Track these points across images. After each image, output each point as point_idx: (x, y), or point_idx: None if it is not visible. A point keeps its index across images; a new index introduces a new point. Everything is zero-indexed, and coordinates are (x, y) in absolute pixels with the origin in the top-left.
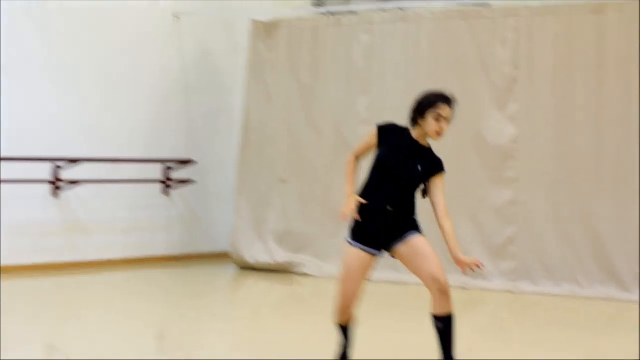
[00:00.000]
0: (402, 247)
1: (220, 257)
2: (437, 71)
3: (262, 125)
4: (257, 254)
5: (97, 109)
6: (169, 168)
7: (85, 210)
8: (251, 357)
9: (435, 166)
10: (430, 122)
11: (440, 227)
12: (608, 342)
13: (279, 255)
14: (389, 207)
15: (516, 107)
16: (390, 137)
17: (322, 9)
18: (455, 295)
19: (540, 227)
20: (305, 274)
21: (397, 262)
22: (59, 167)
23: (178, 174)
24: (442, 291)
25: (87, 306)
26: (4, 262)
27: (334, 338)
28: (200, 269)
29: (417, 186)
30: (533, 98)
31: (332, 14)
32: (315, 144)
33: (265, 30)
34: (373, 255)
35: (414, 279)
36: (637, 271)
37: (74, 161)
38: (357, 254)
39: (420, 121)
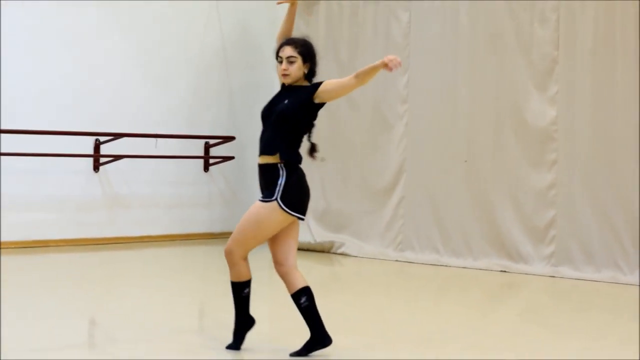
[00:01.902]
0: None
1: None
2: (476, 50)
3: None
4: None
5: (138, 85)
6: (209, 144)
7: (126, 185)
8: (290, 336)
9: (310, 88)
10: (277, 67)
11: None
12: None
13: (319, 235)
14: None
15: (556, 88)
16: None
17: None
18: (496, 279)
19: (580, 211)
20: (345, 254)
21: (436, 241)
22: (99, 141)
23: (218, 150)
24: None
25: (127, 282)
26: (47, 237)
27: (373, 316)
28: None
29: (285, 122)
30: (573, 80)
31: None
32: (353, 122)
33: (305, 6)
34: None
35: (453, 261)
36: None
37: (115, 135)
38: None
39: None
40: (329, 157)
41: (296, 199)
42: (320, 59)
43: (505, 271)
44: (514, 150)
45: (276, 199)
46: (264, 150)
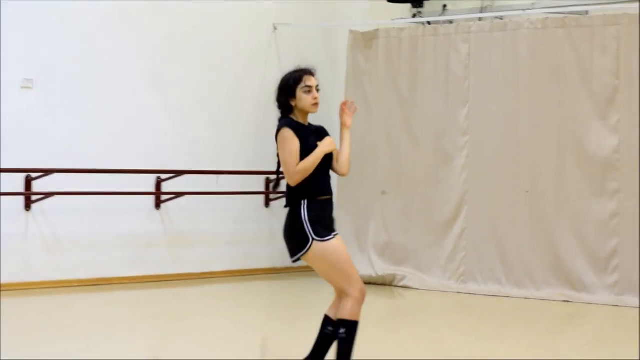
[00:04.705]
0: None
1: None
2: (536, 80)
3: (362, 136)
4: (358, 266)
5: (200, 123)
6: (270, 180)
7: (188, 222)
8: None
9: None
10: (303, 98)
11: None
12: None
13: (380, 268)
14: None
15: (618, 117)
16: (298, 131)
17: (419, 19)
18: (559, 309)
19: None
20: (406, 287)
21: (498, 272)
22: (161, 179)
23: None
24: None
25: (190, 318)
26: (109, 274)
27: (436, 349)
28: (303, 281)
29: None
30: (635, 107)
31: (430, 23)
32: (414, 155)
33: (364, 41)
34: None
35: (515, 292)
36: None
37: (176, 173)
38: (337, 243)
39: (293, 102)
40: (391, 191)
41: None
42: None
43: (568, 301)
44: (576, 180)
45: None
46: (330, 191)
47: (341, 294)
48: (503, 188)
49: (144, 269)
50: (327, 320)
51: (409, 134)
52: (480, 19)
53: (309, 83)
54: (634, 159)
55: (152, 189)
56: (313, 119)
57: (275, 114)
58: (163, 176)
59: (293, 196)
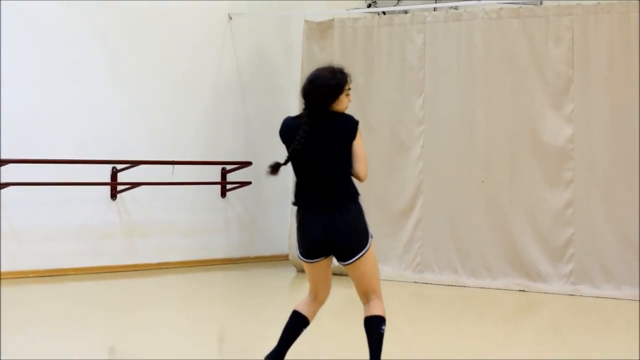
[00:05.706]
0: None
1: (278, 259)
2: (491, 70)
3: None
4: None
5: (155, 112)
6: (225, 170)
7: (144, 213)
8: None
9: None
10: (345, 100)
11: None
12: None
13: None
14: None
15: (572, 106)
16: None
17: (374, 9)
18: (515, 298)
19: (598, 229)
20: None
21: (454, 262)
22: (116, 169)
23: (235, 175)
24: None
25: (147, 309)
26: (64, 265)
27: (393, 339)
28: (259, 271)
29: None
30: (589, 97)
31: (385, 13)
32: (370, 145)
33: (319, 30)
34: None
35: (471, 282)
36: None
37: (131, 163)
38: None
39: (334, 103)
40: None
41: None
42: None
43: (524, 290)
44: (531, 170)
45: None
46: None
47: (368, 296)
48: (459, 178)
49: (100, 260)
50: (304, 320)
51: (364, 124)
52: (435, 9)
53: (351, 85)
54: (588, 148)
55: (108, 179)
56: (271, 107)
57: (232, 104)
58: (119, 166)
59: (351, 192)
